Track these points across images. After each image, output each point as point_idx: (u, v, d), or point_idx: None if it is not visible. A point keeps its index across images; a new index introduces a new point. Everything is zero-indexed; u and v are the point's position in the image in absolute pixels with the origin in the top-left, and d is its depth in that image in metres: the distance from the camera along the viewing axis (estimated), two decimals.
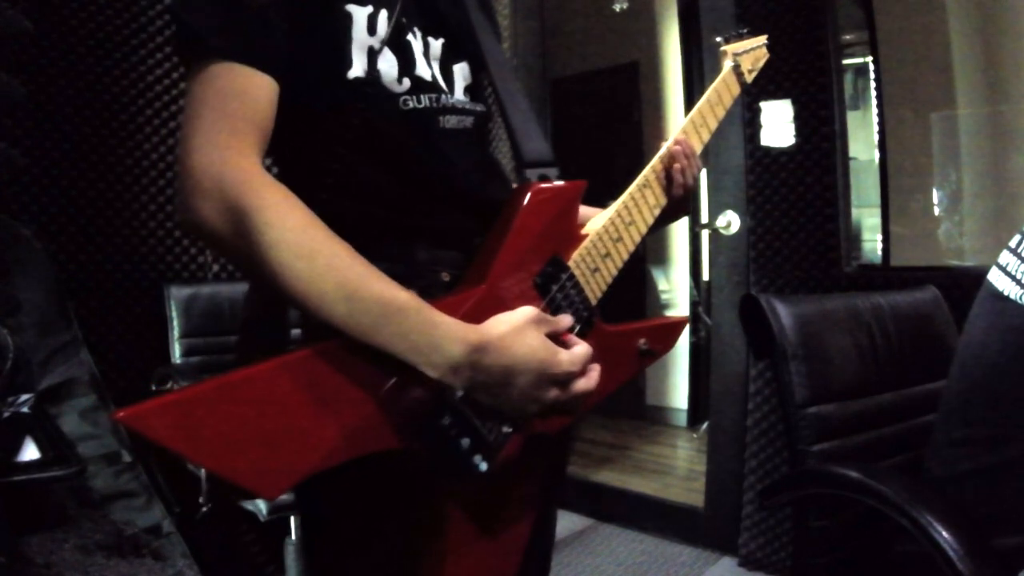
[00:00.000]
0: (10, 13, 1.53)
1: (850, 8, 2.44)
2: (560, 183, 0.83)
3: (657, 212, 0.92)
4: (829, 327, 1.32)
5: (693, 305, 4.01)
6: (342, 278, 0.63)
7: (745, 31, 1.10)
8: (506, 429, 0.72)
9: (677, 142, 0.93)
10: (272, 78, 0.67)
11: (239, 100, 0.64)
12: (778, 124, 2.26)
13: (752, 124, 2.29)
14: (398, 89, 0.76)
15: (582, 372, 0.73)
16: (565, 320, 0.76)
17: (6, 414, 1.10)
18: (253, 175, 0.63)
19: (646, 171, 0.91)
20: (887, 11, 2.31)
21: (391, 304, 0.64)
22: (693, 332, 3.94)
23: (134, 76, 1.96)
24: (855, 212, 2.42)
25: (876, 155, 2.44)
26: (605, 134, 4.26)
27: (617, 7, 3.98)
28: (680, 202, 0.94)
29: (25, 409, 1.13)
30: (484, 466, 0.70)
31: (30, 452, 1.11)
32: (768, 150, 2.27)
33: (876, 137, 2.50)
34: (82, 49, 1.87)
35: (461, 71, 0.85)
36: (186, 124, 0.65)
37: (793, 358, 1.26)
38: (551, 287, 0.80)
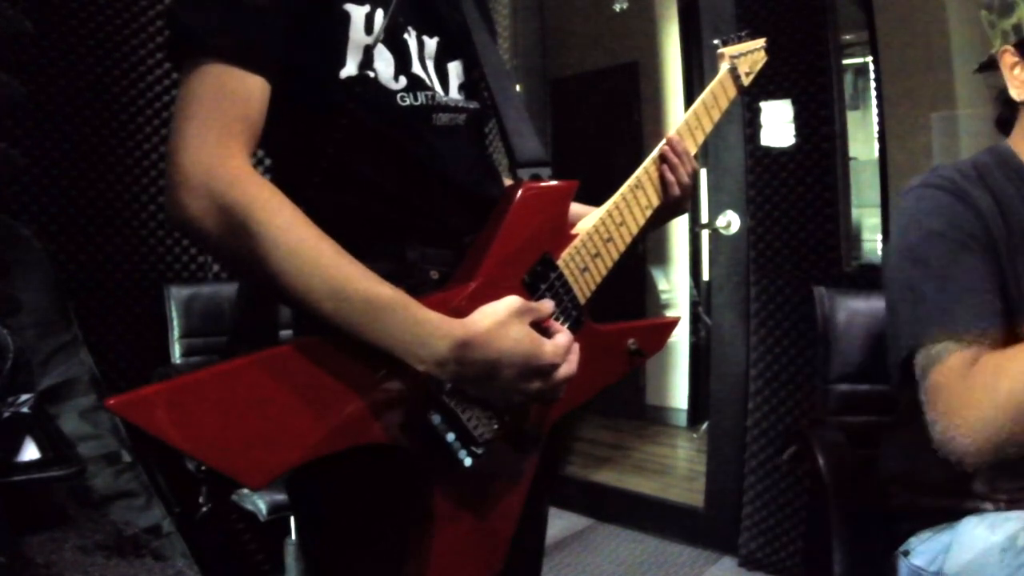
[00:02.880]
0: (10, 13, 1.53)
1: (850, 8, 2.44)
2: (551, 182, 0.83)
3: (649, 213, 0.92)
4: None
5: (693, 305, 4.00)
6: (329, 275, 0.64)
7: (744, 34, 1.09)
8: (493, 424, 0.72)
9: (670, 144, 0.93)
10: (265, 79, 0.67)
11: (231, 100, 0.65)
12: (778, 124, 2.25)
13: (752, 124, 2.29)
14: (395, 86, 0.77)
15: (564, 360, 0.74)
16: (547, 305, 0.77)
17: (6, 414, 1.10)
18: (243, 173, 0.64)
19: (639, 172, 0.91)
20: (887, 11, 2.30)
21: (377, 301, 0.65)
22: (693, 332, 3.94)
23: (134, 76, 1.97)
24: (855, 212, 2.42)
25: (876, 155, 2.44)
26: (605, 134, 4.26)
27: (617, 7, 3.98)
28: (676, 202, 0.94)
29: (25, 409, 1.13)
30: (469, 460, 0.72)
31: (30, 452, 1.11)
32: (768, 150, 2.27)
33: (876, 137, 2.50)
34: (82, 49, 1.87)
35: (455, 70, 0.85)
36: (176, 122, 0.65)
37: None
38: (540, 285, 0.80)
